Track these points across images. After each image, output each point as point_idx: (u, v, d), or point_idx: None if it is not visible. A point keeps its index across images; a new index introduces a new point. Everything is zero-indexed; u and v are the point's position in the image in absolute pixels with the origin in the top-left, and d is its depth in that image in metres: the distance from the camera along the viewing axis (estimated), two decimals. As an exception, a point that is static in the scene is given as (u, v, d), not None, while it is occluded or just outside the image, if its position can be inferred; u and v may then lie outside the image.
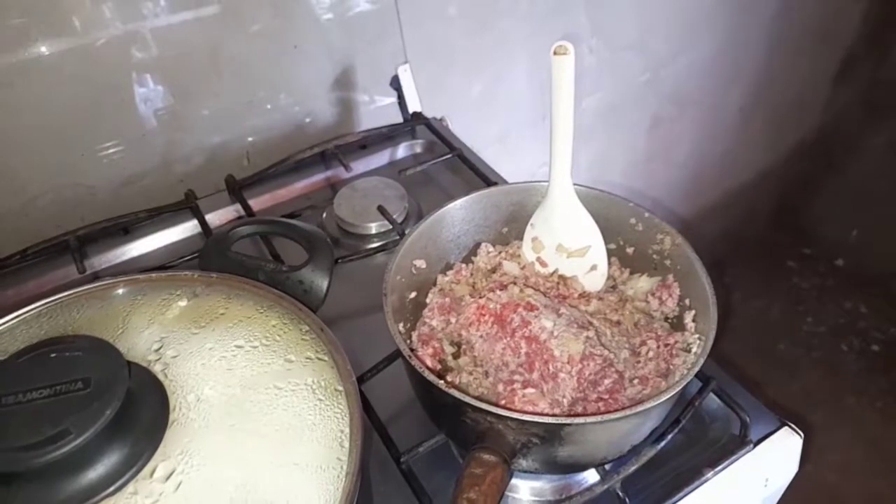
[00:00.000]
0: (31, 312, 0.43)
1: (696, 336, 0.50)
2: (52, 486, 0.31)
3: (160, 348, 0.38)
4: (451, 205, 0.59)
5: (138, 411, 0.34)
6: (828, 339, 1.73)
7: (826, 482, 1.43)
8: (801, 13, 1.50)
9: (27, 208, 0.74)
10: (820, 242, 1.91)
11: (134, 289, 0.44)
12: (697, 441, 0.55)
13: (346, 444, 0.36)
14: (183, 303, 0.42)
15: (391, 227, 0.73)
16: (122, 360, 0.33)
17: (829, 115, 1.79)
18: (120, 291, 0.44)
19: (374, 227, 0.74)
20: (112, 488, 0.32)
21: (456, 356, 0.54)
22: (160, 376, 0.37)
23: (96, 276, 0.71)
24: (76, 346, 0.34)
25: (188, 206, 0.75)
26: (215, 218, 0.76)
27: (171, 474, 0.33)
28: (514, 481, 0.53)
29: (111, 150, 0.78)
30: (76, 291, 0.44)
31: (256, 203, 0.77)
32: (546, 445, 0.44)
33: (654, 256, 0.57)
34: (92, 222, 0.74)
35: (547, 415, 0.44)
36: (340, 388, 0.38)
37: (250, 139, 0.87)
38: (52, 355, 0.33)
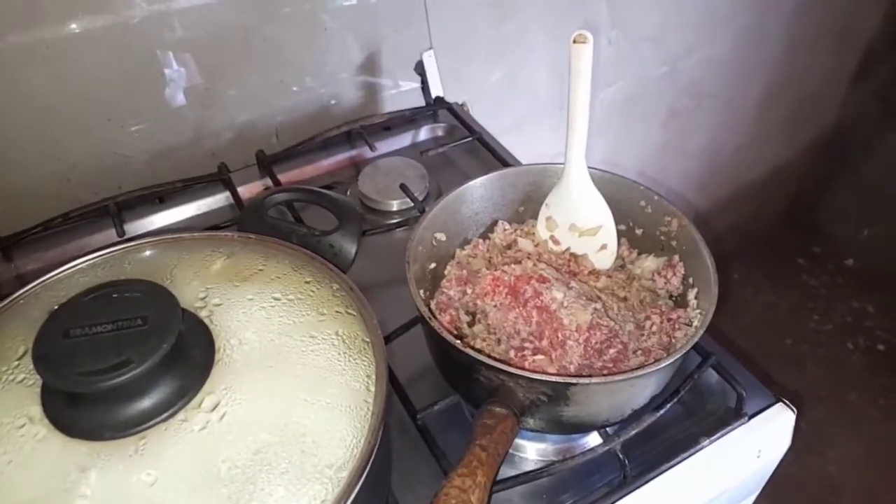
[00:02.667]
0: (87, 263, 0.47)
1: (698, 311, 0.54)
2: (114, 408, 0.35)
3: (205, 297, 0.42)
4: (471, 183, 0.62)
5: (188, 349, 0.37)
6: (834, 336, 1.75)
7: (826, 475, 1.46)
8: (821, 10, 1.51)
9: (69, 174, 0.78)
10: (830, 241, 1.92)
11: (179, 246, 0.48)
12: (695, 412, 0.59)
13: (373, 388, 0.39)
14: (224, 259, 0.46)
15: (412, 204, 0.76)
16: (176, 302, 0.37)
17: (845, 114, 1.80)
18: (165, 247, 0.48)
19: (395, 205, 0.78)
20: (165, 415, 0.35)
21: (471, 325, 0.58)
22: (206, 321, 0.40)
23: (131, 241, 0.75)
24: (135, 289, 0.38)
25: (221, 179, 0.79)
26: (245, 191, 0.80)
27: (216, 406, 0.37)
28: (520, 442, 0.57)
29: (148, 123, 0.81)
30: (126, 246, 0.48)
31: (284, 178, 0.81)
32: (552, 404, 0.47)
33: (662, 238, 0.60)
34: (128, 190, 0.78)
35: (554, 374, 0.48)
36: (367, 339, 0.42)
37: (278, 118, 0.90)
38: (114, 295, 0.37)
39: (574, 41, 0.56)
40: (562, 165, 0.61)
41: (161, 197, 0.79)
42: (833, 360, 1.70)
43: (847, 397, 1.63)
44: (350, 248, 0.53)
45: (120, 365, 0.34)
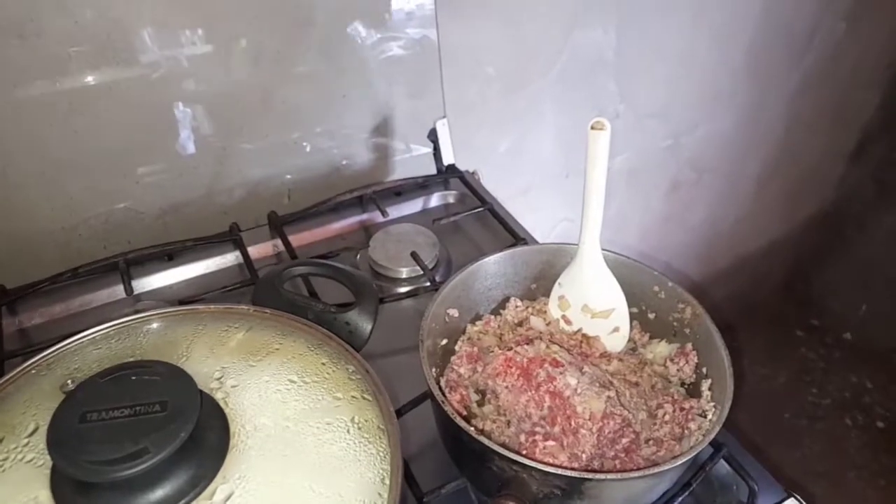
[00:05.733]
0: (100, 333, 0.46)
1: (712, 404, 0.53)
2: (125, 498, 0.34)
3: (221, 377, 0.42)
4: (485, 259, 0.62)
5: (204, 435, 0.37)
6: (832, 411, 1.74)
7: (824, 557, 1.43)
8: (820, 93, 1.55)
9: (80, 228, 0.78)
10: (828, 314, 1.93)
11: (195, 318, 0.47)
12: (705, 505, 0.58)
13: (388, 482, 0.39)
14: (240, 335, 0.46)
15: (422, 273, 0.76)
16: (195, 387, 0.37)
17: (841, 192, 1.83)
18: (182, 319, 0.47)
19: (405, 272, 0.78)
20: (177, 505, 0.34)
21: (480, 404, 0.57)
22: (222, 404, 0.40)
23: (138, 299, 0.75)
24: (154, 371, 0.37)
25: (231, 239, 0.79)
26: (256, 251, 0.80)
27: (229, 497, 0.36)
28: (527, 531, 0.56)
29: (161, 178, 0.82)
30: (141, 316, 0.47)
31: (295, 239, 0.81)
32: (566, 497, 0.46)
33: (675, 324, 0.60)
34: (137, 246, 0.78)
35: (571, 469, 0.47)
36: (383, 427, 0.42)
37: (289, 177, 0.91)
38: (133, 378, 0.37)
39: (592, 127, 0.57)
40: (575, 246, 0.61)
41: (170, 254, 0.78)
42: (831, 436, 1.68)
43: (845, 475, 1.60)
44: (366, 326, 0.53)
45: (136, 454, 0.33)
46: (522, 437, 0.53)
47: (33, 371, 0.43)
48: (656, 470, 0.45)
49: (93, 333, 0.46)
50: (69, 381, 0.40)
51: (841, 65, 1.53)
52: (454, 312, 0.60)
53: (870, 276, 1.87)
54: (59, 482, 0.35)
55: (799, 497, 0.57)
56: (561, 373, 0.54)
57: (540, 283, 0.65)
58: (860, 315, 1.89)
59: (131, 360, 0.40)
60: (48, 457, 0.35)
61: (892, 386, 1.77)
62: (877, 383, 1.79)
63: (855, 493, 1.56)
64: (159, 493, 0.34)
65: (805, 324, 1.93)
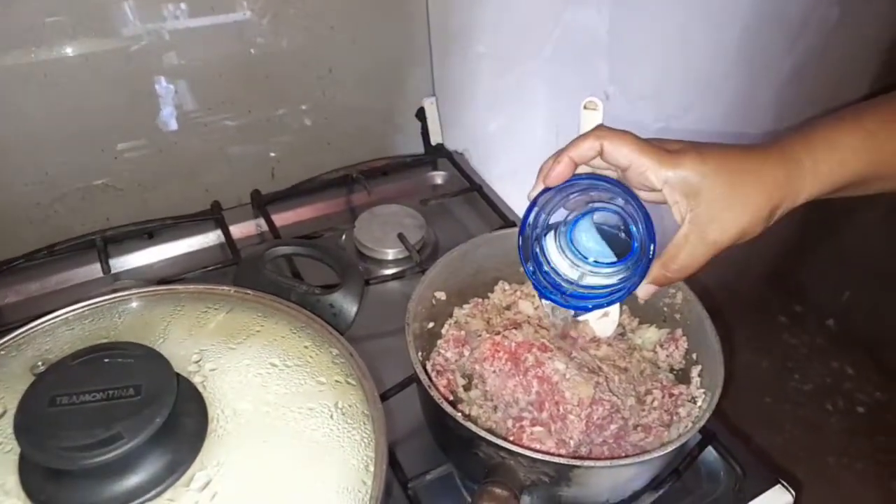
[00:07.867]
0: (74, 313, 0.44)
1: (702, 391, 0.53)
2: (97, 486, 0.32)
3: (200, 360, 0.40)
4: (474, 241, 0.61)
5: (181, 420, 0.35)
6: (813, 397, 1.76)
7: (802, 539, 1.45)
8: (811, 80, 1.55)
9: (56, 204, 0.76)
10: (812, 301, 1.94)
11: (173, 298, 0.46)
12: (693, 491, 0.57)
13: (372, 469, 0.38)
14: (220, 317, 0.44)
15: (408, 254, 0.75)
16: (171, 370, 0.35)
17: (829, 179, 1.83)
18: (159, 299, 0.46)
19: (391, 254, 0.76)
20: (151, 493, 0.33)
21: (466, 388, 0.56)
22: (200, 387, 0.38)
23: (117, 278, 0.73)
24: (128, 354, 0.36)
25: (213, 217, 0.77)
26: (238, 230, 0.78)
27: (207, 484, 0.34)
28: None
29: (140, 153, 0.79)
30: (118, 296, 0.46)
31: (279, 218, 0.79)
32: (554, 484, 0.45)
33: (665, 309, 0.59)
34: (116, 223, 0.76)
35: (559, 455, 0.46)
36: (367, 412, 0.40)
37: (272, 154, 0.89)
38: (106, 360, 0.35)
39: (585, 107, 0.56)
40: (566, 229, 0.60)
41: (150, 232, 0.76)
42: (811, 422, 1.70)
43: (824, 459, 1.62)
44: (351, 308, 0.51)
45: (109, 440, 0.31)
46: (510, 423, 0.52)
47: (2, 352, 0.41)
48: (645, 457, 0.44)
49: (65, 313, 0.44)
50: (39, 363, 0.38)
51: (832, 52, 1.52)
52: (441, 295, 0.59)
53: (854, 264, 1.88)
54: (27, 468, 0.33)
55: (786, 483, 0.57)
56: (549, 358, 0.53)
57: (529, 267, 0.63)
58: (843, 303, 1.90)
59: (105, 341, 0.38)
60: (16, 442, 0.33)
61: (873, 373, 1.79)
62: (857, 370, 1.80)
63: (833, 477, 1.58)
64: (133, 480, 0.33)
65: (789, 310, 1.94)
